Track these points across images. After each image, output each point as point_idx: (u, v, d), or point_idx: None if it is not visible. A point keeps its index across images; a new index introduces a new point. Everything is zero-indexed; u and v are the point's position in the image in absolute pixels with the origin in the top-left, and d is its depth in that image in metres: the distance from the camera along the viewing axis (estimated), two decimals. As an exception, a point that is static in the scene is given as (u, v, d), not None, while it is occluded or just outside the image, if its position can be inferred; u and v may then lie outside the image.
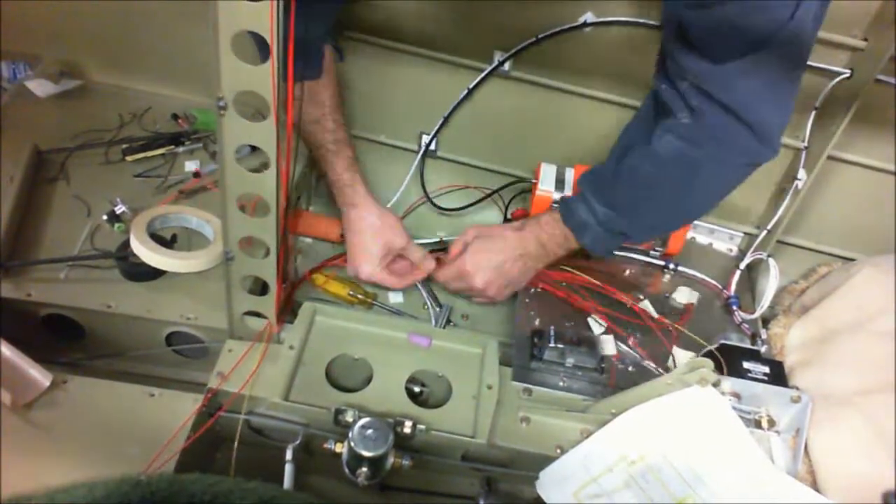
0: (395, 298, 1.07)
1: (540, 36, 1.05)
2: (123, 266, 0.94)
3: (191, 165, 1.12)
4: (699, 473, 0.80)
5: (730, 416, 0.83)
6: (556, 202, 1.02)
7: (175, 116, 1.20)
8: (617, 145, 1.02)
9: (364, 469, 0.77)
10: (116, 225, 0.99)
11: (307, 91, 0.94)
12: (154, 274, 0.94)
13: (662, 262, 1.10)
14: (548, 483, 0.82)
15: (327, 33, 0.97)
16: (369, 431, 0.77)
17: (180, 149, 1.15)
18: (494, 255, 0.98)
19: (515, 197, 1.20)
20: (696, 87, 0.83)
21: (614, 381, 0.91)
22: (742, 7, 0.73)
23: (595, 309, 0.99)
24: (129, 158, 1.11)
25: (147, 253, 0.90)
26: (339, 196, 1.02)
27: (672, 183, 0.90)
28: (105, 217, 0.99)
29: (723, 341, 0.93)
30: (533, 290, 1.02)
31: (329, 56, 0.97)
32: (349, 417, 0.80)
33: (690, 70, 0.83)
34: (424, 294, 1.07)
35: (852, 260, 1.13)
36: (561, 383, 0.90)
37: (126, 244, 0.93)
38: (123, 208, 0.99)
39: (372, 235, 1.00)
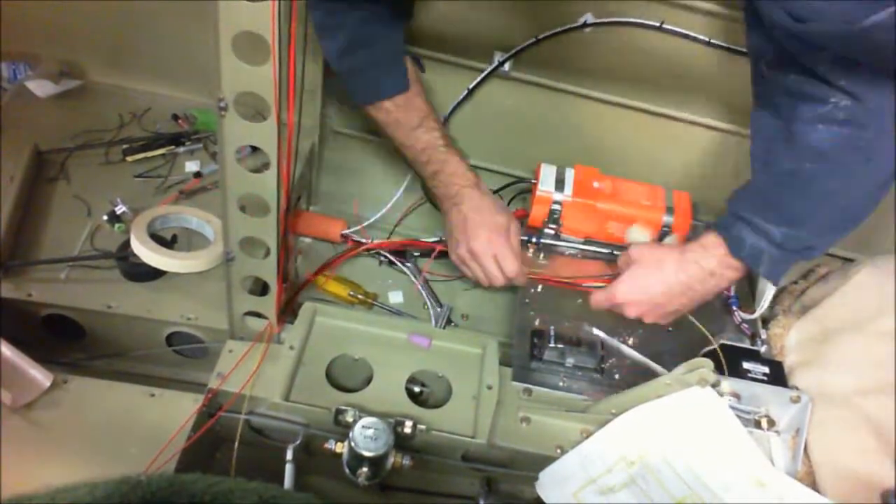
0: (395, 298, 1.07)
1: (540, 36, 1.05)
2: (124, 266, 0.94)
3: (191, 166, 1.12)
4: (699, 474, 0.81)
5: (728, 416, 0.83)
6: (718, 230, 0.86)
7: (175, 117, 1.20)
8: (754, 155, 0.86)
9: (364, 469, 0.77)
10: (117, 225, 0.99)
11: (402, 102, 0.97)
12: (154, 274, 0.94)
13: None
14: (547, 484, 0.82)
15: (403, 46, 1.00)
16: (370, 431, 0.77)
17: (181, 149, 1.15)
18: (651, 286, 0.88)
19: (515, 197, 1.20)
20: (840, 66, 0.71)
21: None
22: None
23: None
24: (129, 159, 1.11)
25: (147, 253, 0.91)
26: (460, 181, 1.00)
27: (843, 173, 0.78)
28: (105, 217, 0.99)
29: (723, 341, 0.93)
30: (533, 289, 1.02)
31: (412, 67, 0.99)
32: (349, 417, 0.80)
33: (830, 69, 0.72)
34: (424, 294, 1.07)
35: (852, 260, 1.13)
36: (561, 383, 0.90)
37: (126, 244, 0.93)
38: (124, 208, 0.99)
39: (496, 208, 0.99)
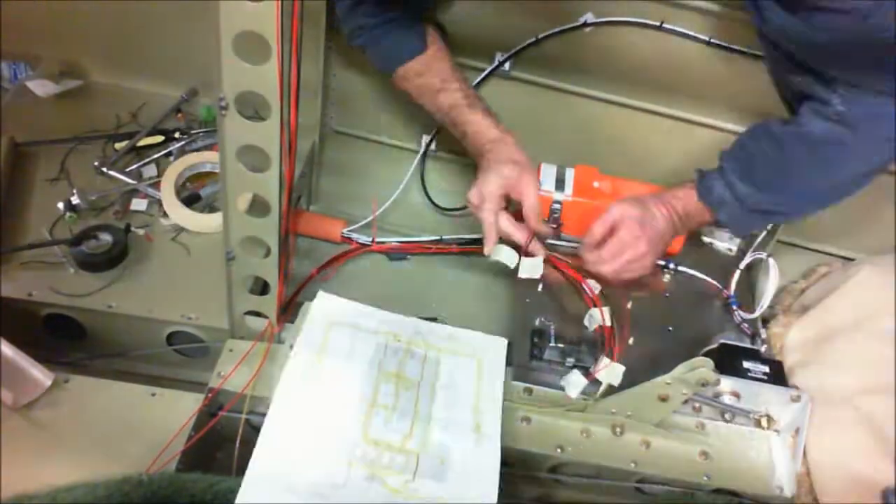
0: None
1: (540, 36, 1.05)
2: (78, 255, 0.93)
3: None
4: (444, 383, 0.85)
5: (500, 372, 0.89)
6: (697, 175, 0.96)
7: (177, 110, 1.20)
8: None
9: (365, 468, 0.77)
10: (68, 215, 0.99)
11: (422, 66, 0.99)
12: (110, 263, 0.94)
13: (662, 262, 1.10)
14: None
15: (424, 12, 1.02)
16: (370, 431, 0.77)
17: (174, 145, 1.14)
18: (650, 227, 0.94)
19: (515, 197, 1.20)
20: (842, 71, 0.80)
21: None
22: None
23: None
24: (117, 146, 1.11)
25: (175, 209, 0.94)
26: (485, 138, 0.97)
27: (819, 161, 0.88)
28: (61, 205, 0.99)
29: (723, 341, 0.93)
30: (533, 289, 1.02)
31: (433, 32, 1.02)
32: (350, 417, 0.80)
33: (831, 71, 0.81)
34: None
35: (852, 260, 1.13)
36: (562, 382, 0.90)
37: (81, 233, 0.94)
38: (78, 200, 1.00)
39: (518, 154, 0.95)
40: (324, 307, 0.89)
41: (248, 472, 0.70)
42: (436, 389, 0.84)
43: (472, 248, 1.10)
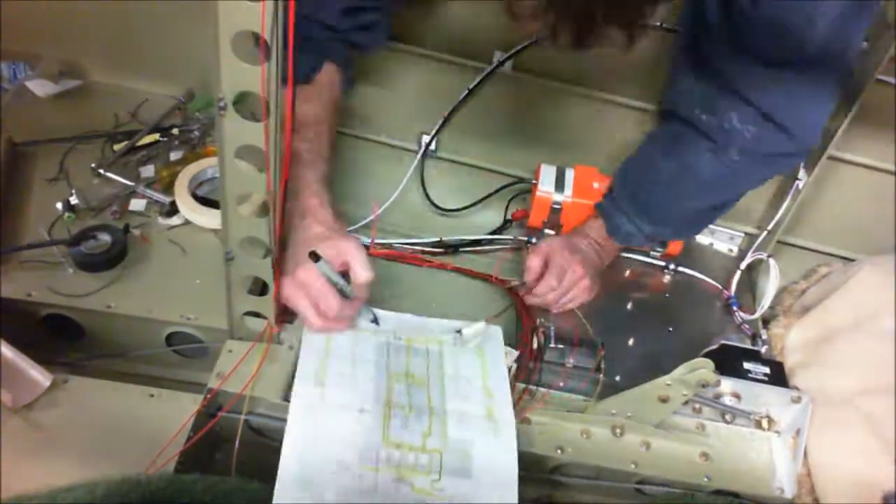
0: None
1: (540, 35, 1.05)
2: (76, 255, 0.93)
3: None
4: (451, 377, 0.84)
5: (502, 357, 0.88)
6: (598, 205, 1.04)
7: (178, 108, 1.20)
8: (653, 137, 1.03)
9: (364, 469, 0.77)
10: (67, 215, 0.98)
11: (301, 95, 0.88)
12: (109, 264, 0.93)
13: (663, 263, 1.10)
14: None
15: (334, 52, 0.94)
16: (369, 431, 0.77)
17: (173, 144, 1.14)
18: (579, 252, 1.01)
19: (515, 197, 1.20)
20: (730, 100, 0.85)
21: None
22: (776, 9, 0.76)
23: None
24: (115, 147, 1.11)
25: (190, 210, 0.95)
26: (296, 207, 0.86)
27: (713, 195, 0.98)
28: (59, 205, 0.99)
29: (723, 342, 0.93)
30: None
31: (330, 72, 0.94)
32: (349, 418, 0.80)
33: (728, 71, 0.84)
34: None
35: (852, 260, 1.13)
36: (561, 383, 0.90)
37: (80, 233, 0.93)
38: (77, 200, 0.99)
39: (316, 241, 0.82)
40: None
41: (277, 484, 0.69)
42: (444, 382, 0.83)
43: (468, 269, 1.08)
